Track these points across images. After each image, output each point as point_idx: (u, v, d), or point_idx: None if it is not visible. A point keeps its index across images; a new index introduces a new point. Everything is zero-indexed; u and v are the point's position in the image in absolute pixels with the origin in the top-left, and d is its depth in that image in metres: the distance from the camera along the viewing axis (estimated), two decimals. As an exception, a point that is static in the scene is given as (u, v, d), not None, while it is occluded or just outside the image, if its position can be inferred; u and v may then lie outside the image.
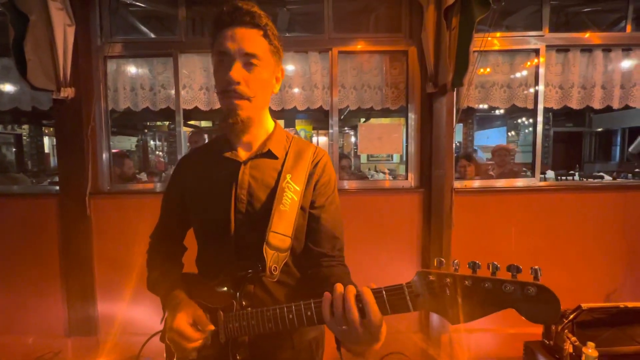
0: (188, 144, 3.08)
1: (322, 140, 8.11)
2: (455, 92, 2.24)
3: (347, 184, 2.39)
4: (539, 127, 2.37)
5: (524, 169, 3.60)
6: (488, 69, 2.42)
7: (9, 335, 2.29)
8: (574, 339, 1.55)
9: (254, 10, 0.75)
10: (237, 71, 0.74)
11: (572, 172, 4.93)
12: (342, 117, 2.43)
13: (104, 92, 2.33)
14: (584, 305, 1.57)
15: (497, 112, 7.97)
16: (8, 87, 2.42)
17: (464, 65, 1.91)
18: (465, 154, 3.58)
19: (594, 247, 2.32)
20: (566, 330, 1.58)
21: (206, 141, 3.93)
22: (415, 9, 2.22)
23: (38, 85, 1.92)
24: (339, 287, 0.61)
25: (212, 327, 0.75)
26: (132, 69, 2.44)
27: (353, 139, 8.53)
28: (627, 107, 2.43)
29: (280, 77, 0.86)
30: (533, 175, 2.41)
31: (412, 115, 2.37)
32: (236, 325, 0.74)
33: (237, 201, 0.81)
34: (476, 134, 8.66)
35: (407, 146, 2.44)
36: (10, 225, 2.28)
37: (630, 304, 1.60)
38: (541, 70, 2.33)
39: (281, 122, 0.95)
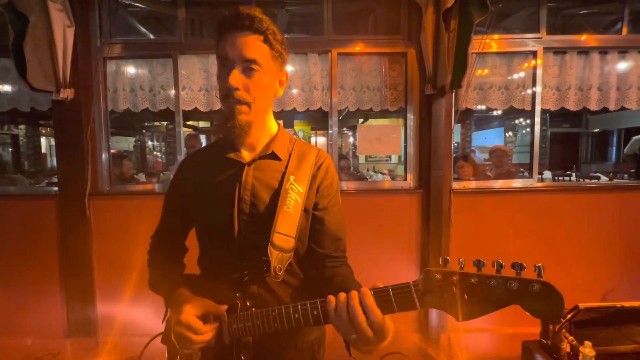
0: (185, 148, 3.09)
1: (320, 140, 8.12)
2: (453, 94, 2.26)
3: (346, 185, 2.40)
4: (537, 129, 2.39)
5: (522, 169, 3.62)
6: (486, 70, 2.44)
7: (8, 337, 2.28)
8: (571, 338, 1.56)
9: (254, 15, 0.74)
10: (235, 77, 0.75)
11: (569, 172, 4.97)
12: (340, 118, 2.45)
13: (103, 93, 2.33)
14: (581, 305, 1.59)
15: (494, 113, 8.02)
16: (7, 88, 2.41)
17: (462, 67, 1.93)
18: (463, 155, 3.60)
19: (591, 247, 2.34)
20: (564, 330, 1.60)
21: (202, 144, 3.96)
22: (414, 11, 2.23)
23: (38, 86, 1.92)
24: (342, 295, 0.62)
25: (224, 307, 0.75)
26: (131, 70, 2.44)
27: (351, 140, 8.54)
28: (623, 109, 2.46)
29: (285, 80, 0.87)
30: (530, 175, 2.43)
31: (411, 117, 2.38)
32: (240, 325, 0.75)
33: (240, 202, 0.82)
34: (474, 134, 8.70)
35: (405, 147, 2.46)
36: (9, 227, 2.28)
37: (626, 304, 1.61)
38: (538, 72, 2.35)
39: (280, 123, 0.96)
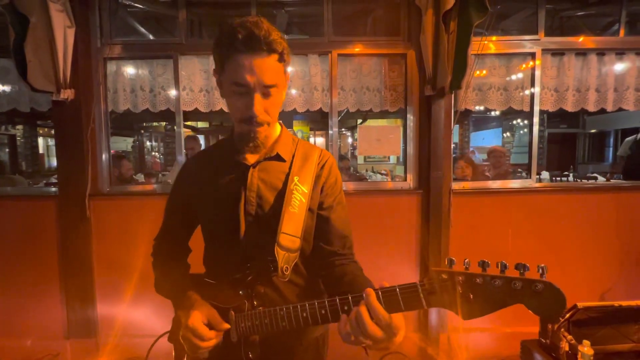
0: (184, 149, 3.09)
1: (319, 141, 8.13)
2: (453, 95, 2.27)
3: (346, 186, 2.41)
4: (535, 129, 2.41)
5: (519, 169, 3.64)
6: (484, 71, 2.45)
7: (8, 337, 2.27)
8: (570, 337, 1.57)
9: (271, 39, 0.71)
10: (259, 104, 0.74)
11: (566, 173, 5.00)
12: (338, 118, 2.46)
13: (103, 93, 2.33)
14: (580, 305, 1.60)
15: (492, 113, 8.05)
16: (6, 89, 2.40)
17: (462, 69, 1.94)
18: (462, 156, 3.61)
19: (589, 247, 2.36)
20: (562, 329, 1.61)
21: (201, 145, 3.96)
22: (413, 13, 2.24)
23: (38, 87, 1.92)
24: (352, 314, 0.62)
25: (227, 326, 0.76)
26: (131, 71, 2.44)
27: (350, 140, 8.56)
28: (620, 110, 2.48)
29: (287, 82, 0.87)
30: (529, 176, 2.45)
31: (410, 117, 2.39)
32: (248, 324, 0.76)
33: (246, 204, 0.83)
34: (472, 135, 8.74)
35: (405, 148, 2.47)
36: (9, 227, 2.27)
37: (624, 303, 1.62)
38: (537, 74, 2.36)
39: (281, 123, 0.97)
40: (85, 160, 2.21)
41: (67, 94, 2.07)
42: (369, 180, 4.63)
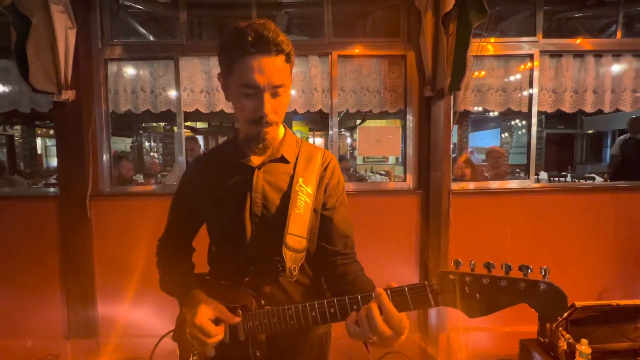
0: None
1: (318, 141, 8.15)
2: (452, 96, 2.28)
3: (346, 186, 2.41)
4: (533, 130, 2.43)
5: (518, 170, 3.66)
6: (483, 72, 2.47)
7: (8, 338, 2.27)
8: (568, 336, 1.59)
9: (279, 40, 0.73)
10: (268, 104, 0.75)
11: (564, 173, 5.03)
12: (338, 119, 2.47)
13: (104, 94, 2.34)
14: (578, 304, 1.61)
15: (490, 114, 8.09)
16: (7, 89, 2.40)
17: (461, 70, 1.96)
18: (461, 156, 3.63)
19: (587, 246, 2.38)
20: (560, 328, 1.63)
21: (201, 146, 3.95)
22: (413, 15, 2.25)
23: (40, 88, 1.92)
24: (363, 310, 0.65)
25: (236, 319, 0.78)
26: (132, 72, 2.45)
27: (349, 141, 8.57)
28: (617, 111, 2.51)
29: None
30: (527, 176, 2.47)
31: (410, 118, 2.41)
32: (256, 323, 0.77)
33: (252, 205, 0.84)
34: (470, 135, 8.77)
35: (405, 148, 2.49)
36: (10, 228, 2.27)
37: (621, 302, 1.64)
38: (535, 75, 2.38)
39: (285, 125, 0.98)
40: (86, 161, 2.22)
41: (68, 95, 2.08)
42: (368, 180, 4.65)
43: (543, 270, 0.57)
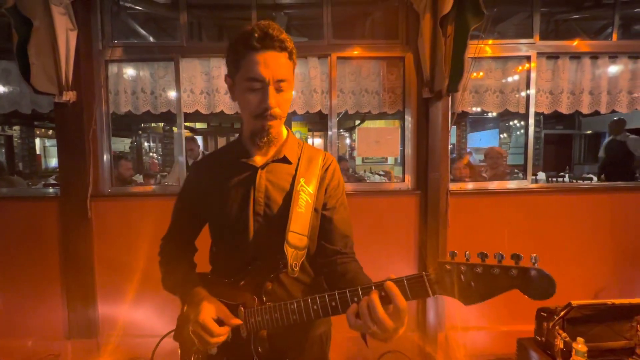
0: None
1: (317, 142, 8.16)
2: (450, 97, 2.30)
3: (346, 187, 2.43)
4: (530, 131, 2.45)
5: (516, 170, 3.68)
6: (481, 73, 2.49)
7: (9, 338, 2.28)
8: (564, 335, 1.61)
9: (283, 38, 0.78)
10: (272, 97, 0.79)
11: (562, 173, 5.07)
12: (337, 119, 2.49)
13: (105, 95, 2.35)
14: (574, 303, 1.63)
15: (489, 114, 8.11)
16: (8, 90, 2.41)
17: (459, 72, 1.98)
18: (460, 157, 3.66)
19: (584, 246, 2.40)
20: (557, 327, 1.64)
21: (200, 146, 3.98)
22: (412, 17, 2.27)
23: (41, 89, 1.94)
24: (364, 300, 0.67)
25: (237, 321, 0.80)
26: (133, 73, 2.46)
27: (348, 141, 8.59)
28: (614, 112, 2.53)
29: None
30: (525, 177, 2.49)
31: (408, 119, 2.43)
32: (258, 319, 0.79)
33: (255, 204, 0.87)
34: (469, 135, 8.80)
35: (403, 149, 2.50)
36: (11, 228, 2.28)
37: (617, 301, 1.65)
38: (532, 76, 2.41)
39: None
40: (86, 161, 2.23)
41: (69, 96, 2.09)
42: (367, 181, 4.67)
43: (533, 258, 0.61)
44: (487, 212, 2.38)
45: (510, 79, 2.51)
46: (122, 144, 8.84)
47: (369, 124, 6.57)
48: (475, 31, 2.02)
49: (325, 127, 2.48)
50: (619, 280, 2.42)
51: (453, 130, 7.69)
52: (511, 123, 8.82)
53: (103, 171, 2.36)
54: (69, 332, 2.30)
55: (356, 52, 2.42)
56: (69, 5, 2.02)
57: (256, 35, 0.76)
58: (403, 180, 2.46)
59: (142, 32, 3.05)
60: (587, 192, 2.50)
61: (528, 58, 2.41)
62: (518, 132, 8.70)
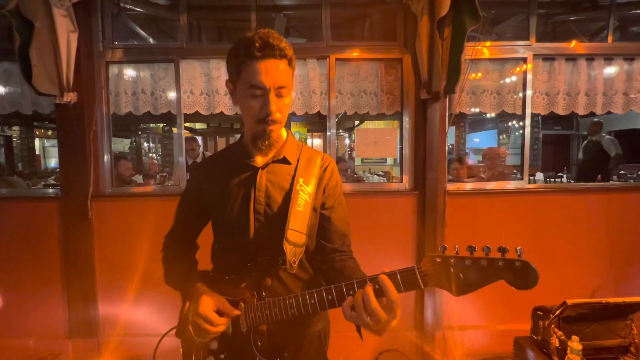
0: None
1: (316, 142, 8.17)
2: (447, 98, 2.32)
3: (344, 187, 2.45)
4: (527, 132, 2.48)
5: (515, 171, 3.71)
6: (480, 74, 2.51)
7: (10, 337, 2.30)
8: (559, 333, 1.63)
9: (283, 46, 0.81)
10: (273, 103, 0.82)
11: (560, 174, 5.10)
12: (336, 120, 2.51)
13: (105, 96, 2.37)
14: (569, 302, 1.65)
15: (488, 115, 8.14)
16: (9, 91, 2.43)
17: (456, 74, 2.01)
18: (457, 157, 3.69)
19: (580, 246, 2.42)
20: (553, 326, 1.67)
21: (200, 146, 4.00)
22: (409, 19, 2.30)
23: (43, 91, 1.95)
24: (359, 293, 0.70)
25: (237, 312, 0.83)
26: (133, 74, 2.48)
27: (347, 142, 8.61)
28: (609, 113, 2.56)
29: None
30: (522, 177, 2.52)
31: (406, 120, 2.45)
32: (258, 314, 0.82)
33: (256, 203, 0.90)
34: (468, 136, 8.82)
35: (401, 150, 2.53)
36: (12, 228, 2.30)
37: (611, 300, 1.68)
38: (529, 78, 2.43)
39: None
40: (87, 162, 2.25)
41: (70, 97, 2.11)
42: (366, 181, 4.69)
43: (518, 250, 0.64)
44: (484, 212, 2.40)
45: (507, 81, 2.53)
46: (122, 144, 8.85)
47: (368, 124, 6.60)
48: (473, 32, 2.04)
49: (325, 128, 2.50)
50: (616, 280, 2.45)
51: (452, 131, 7.72)
52: (510, 124, 8.85)
53: (103, 171, 2.38)
54: (70, 331, 2.31)
55: (355, 53, 2.44)
56: (70, 7, 2.04)
57: (257, 44, 0.79)
58: (401, 181, 2.48)
59: (143, 33, 3.07)
60: (583, 193, 2.52)
61: (524, 60, 2.43)
62: (517, 133, 8.72)
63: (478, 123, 9.44)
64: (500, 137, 9.13)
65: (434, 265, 0.68)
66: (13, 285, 2.31)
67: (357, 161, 7.45)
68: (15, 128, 7.67)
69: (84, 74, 2.22)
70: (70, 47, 2.06)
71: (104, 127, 2.37)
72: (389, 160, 7.21)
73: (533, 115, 2.48)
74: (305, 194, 0.89)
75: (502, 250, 0.65)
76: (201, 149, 4.04)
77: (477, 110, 2.60)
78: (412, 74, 2.37)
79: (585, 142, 4.55)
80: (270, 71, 0.80)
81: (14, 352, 2.27)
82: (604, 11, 2.62)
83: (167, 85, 2.46)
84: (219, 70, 2.42)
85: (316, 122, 7.45)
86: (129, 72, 2.47)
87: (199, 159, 3.83)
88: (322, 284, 0.95)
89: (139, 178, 4.51)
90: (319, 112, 2.51)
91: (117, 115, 2.50)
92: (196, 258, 1.05)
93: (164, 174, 5.04)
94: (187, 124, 7.09)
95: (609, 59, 2.49)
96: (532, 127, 2.48)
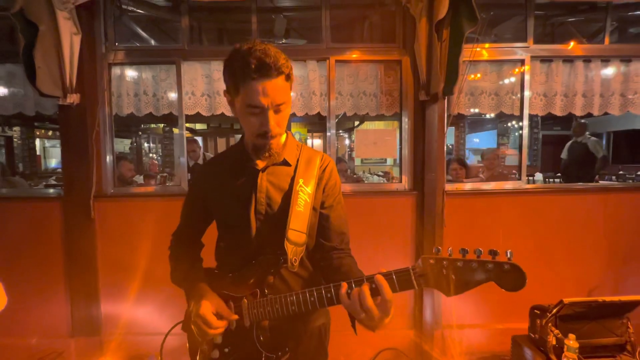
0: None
1: (316, 142, 8.19)
2: (446, 100, 2.35)
3: (344, 187, 2.48)
4: (525, 132, 2.51)
5: (514, 171, 3.73)
6: (478, 75, 2.54)
7: (13, 336, 2.31)
8: (557, 331, 1.65)
9: (280, 64, 0.79)
10: (273, 120, 0.83)
11: (559, 174, 5.12)
12: (336, 121, 2.54)
13: (108, 98, 2.39)
14: (566, 300, 1.67)
15: (487, 116, 8.15)
16: (13, 93, 2.45)
17: (454, 75, 2.03)
18: (456, 158, 3.71)
19: (577, 245, 2.44)
20: (550, 324, 1.69)
21: (201, 147, 4.03)
22: (408, 21, 2.32)
23: (46, 92, 1.98)
24: (355, 291, 0.73)
25: (234, 317, 0.86)
26: (135, 76, 2.50)
27: (347, 142, 8.63)
28: (606, 114, 2.58)
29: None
30: (520, 178, 2.54)
31: (405, 121, 2.47)
32: (260, 310, 0.86)
33: (257, 204, 0.92)
34: (467, 136, 8.84)
35: (401, 150, 2.55)
36: (15, 228, 2.32)
37: (608, 298, 1.69)
38: (526, 79, 2.46)
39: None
40: (90, 162, 2.27)
41: (73, 99, 2.13)
42: (365, 181, 4.71)
43: (508, 253, 0.67)
44: (482, 212, 2.42)
45: (505, 82, 2.56)
46: (122, 145, 8.87)
47: (368, 125, 6.62)
48: (472, 34, 2.07)
49: (324, 128, 2.53)
50: (613, 279, 2.47)
51: (451, 131, 7.74)
52: (509, 124, 8.86)
53: (106, 172, 2.40)
54: (72, 330, 2.34)
55: (354, 55, 2.47)
56: (73, 10, 2.06)
57: (253, 66, 0.77)
58: (400, 181, 2.51)
59: (144, 35, 3.09)
60: (580, 193, 2.55)
61: (522, 61, 2.46)
62: (516, 134, 8.74)
63: (478, 123, 9.46)
64: (500, 137, 9.15)
65: (427, 266, 0.71)
66: (16, 284, 2.32)
67: (357, 161, 7.46)
68: (16, 128, 7.69)
69: (86, 75, 2.24)
70: (73, 49, 2.08)
71: (107, 128, 2.39)
72: (389, 161, 7.22)
73: (532, 116, 2.51)
74: (305, 194, 0.91)
75: (493, 253, 0.68)
76: (202, 150, 4.07)
77: (476, 111, 2.62)
78: (411, 76, 2.40)
79: (570, 142, 4.58)
80: (268, 91, 0.79)
81: (17, 350, 2.30)
82: (602, 13, 2.65)
83: (168, 86, 2.48)
84: (220, 71, 2.44)
85: (316, 123, 7.47)
86: (131, 73, 2.50)
87: (199, 160, 3.86)
88: (321, 281, 0.98)
89: (139, 178, 4.53)
90: (319, 113, 2.53)
91: (118, 116, 2.53)
92: (201, 256, 1.08)
93: (164, 174, 5.06)
94: (187, 125, 7.08)
95: (606, 60, 2.51)
96: (532, 127, 2.50)
